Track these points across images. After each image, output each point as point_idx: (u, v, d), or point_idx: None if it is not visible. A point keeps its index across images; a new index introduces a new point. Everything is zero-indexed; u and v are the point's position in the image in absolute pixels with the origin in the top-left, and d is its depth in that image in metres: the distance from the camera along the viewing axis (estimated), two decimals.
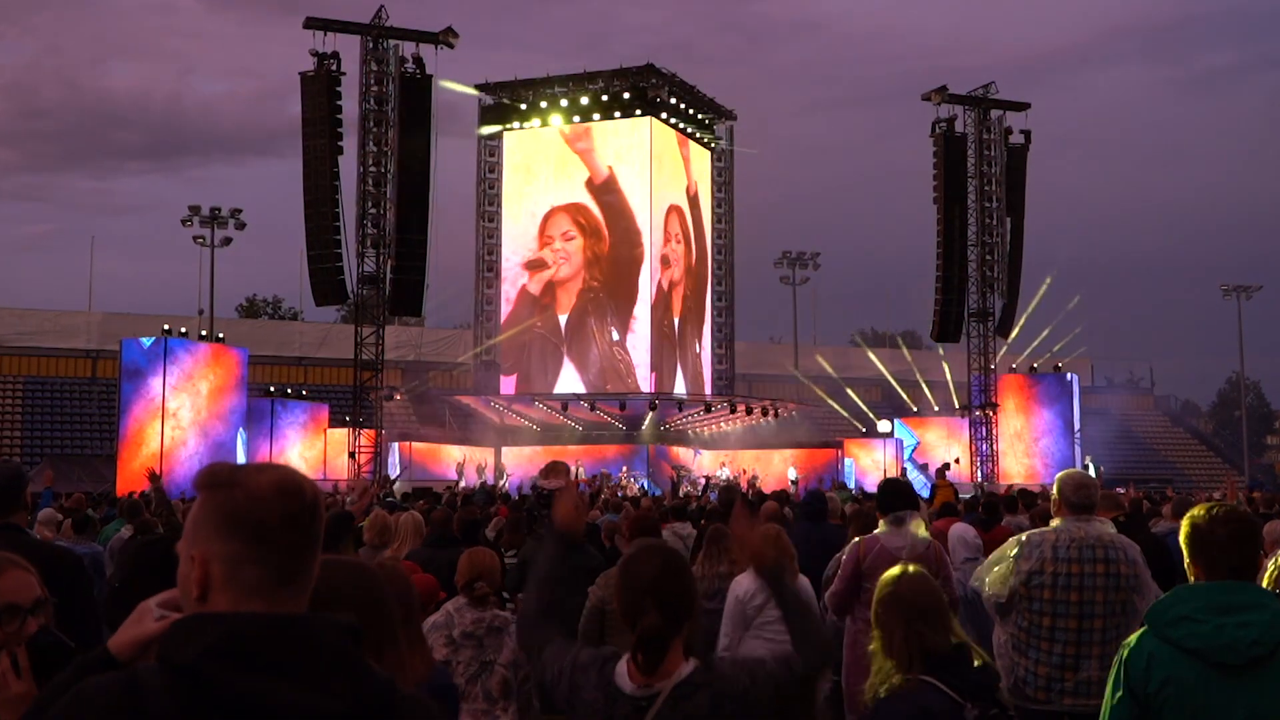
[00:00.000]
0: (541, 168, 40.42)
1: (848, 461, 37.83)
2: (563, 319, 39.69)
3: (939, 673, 3.26)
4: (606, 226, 39.49)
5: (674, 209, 41.26)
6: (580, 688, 2.97)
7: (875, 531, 6.86)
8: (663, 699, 2.83)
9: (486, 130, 40.76)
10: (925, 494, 19.53)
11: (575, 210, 39.84)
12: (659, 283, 39.75)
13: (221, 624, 1.60)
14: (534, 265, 40.08)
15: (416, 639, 3.20)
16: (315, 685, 1.57)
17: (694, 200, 42.70)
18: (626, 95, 39.15)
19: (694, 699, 2.83)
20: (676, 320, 40.96)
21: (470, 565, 4.88)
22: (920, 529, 6.81)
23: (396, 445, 34.68)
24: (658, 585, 2.91)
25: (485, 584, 4.79)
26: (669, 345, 40.32)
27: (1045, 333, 43.68)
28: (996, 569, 5.26)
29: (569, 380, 39.22)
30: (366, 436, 32.30)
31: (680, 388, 40.45)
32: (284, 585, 1.66)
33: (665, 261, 40.34)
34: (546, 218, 40.02)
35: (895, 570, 3.57)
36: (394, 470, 33.41)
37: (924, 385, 43.63)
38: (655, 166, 39.64)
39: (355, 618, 1.70)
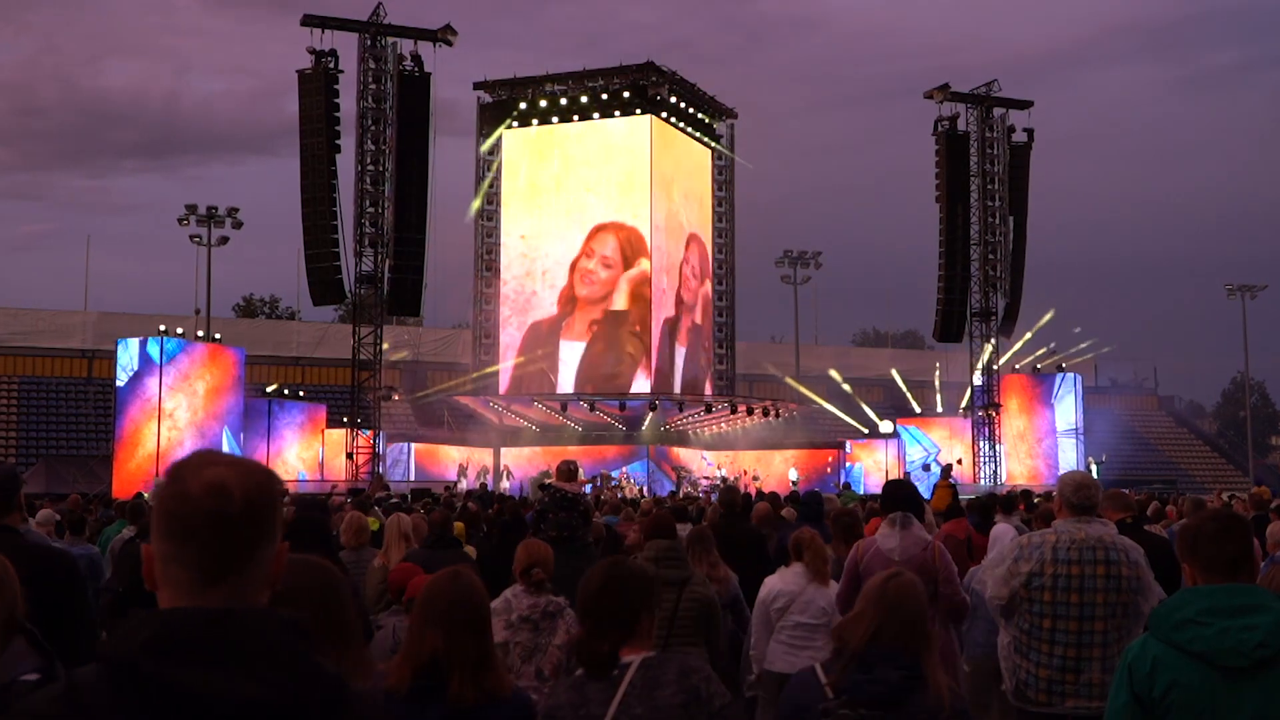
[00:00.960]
0: (542, 168, 40.31)
1: (858, 467, 37.77)
2: (579, 345, 39.53)
3: (854, 667, 3.42)
4: (628, 255, 39.31)
5: (695, 240, 41.47)
6: (555, 694, 3.31)
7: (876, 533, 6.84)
8: (634, 669, 3.13)
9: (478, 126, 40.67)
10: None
11: (612, 230, 39.58)
12: (671, 310, 39.85)
13: (158, 619, 1.62)
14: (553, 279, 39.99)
15: (484, 652, 3.29)
16: (252, 676, 1.57)
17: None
18: (626, 94, 39.02)
19: (663, 668, 3.16)
20: (682, 351, 40.99)
21: (527, 554, 5.32)
22: (919, 530, 6.78)
23: (412, 446, 34.65)
24: (593, 602, 3.28)
25: (540, 570, 5.24)
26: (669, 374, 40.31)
27: (1040, 349, 43.53)
28: (997, 571, 5.21)
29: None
30: (364, 437, 32.20)
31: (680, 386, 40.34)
32: (212, 586, 1.66)
33: (681, 298, 40.51)
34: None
35: (887, 572, 3.68)
36: (400, 472, 33.35)
37: (937, 385, 43.45)
38: (675, 190, 39.89)
39: (305, 614, 1.71)
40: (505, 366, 39.93)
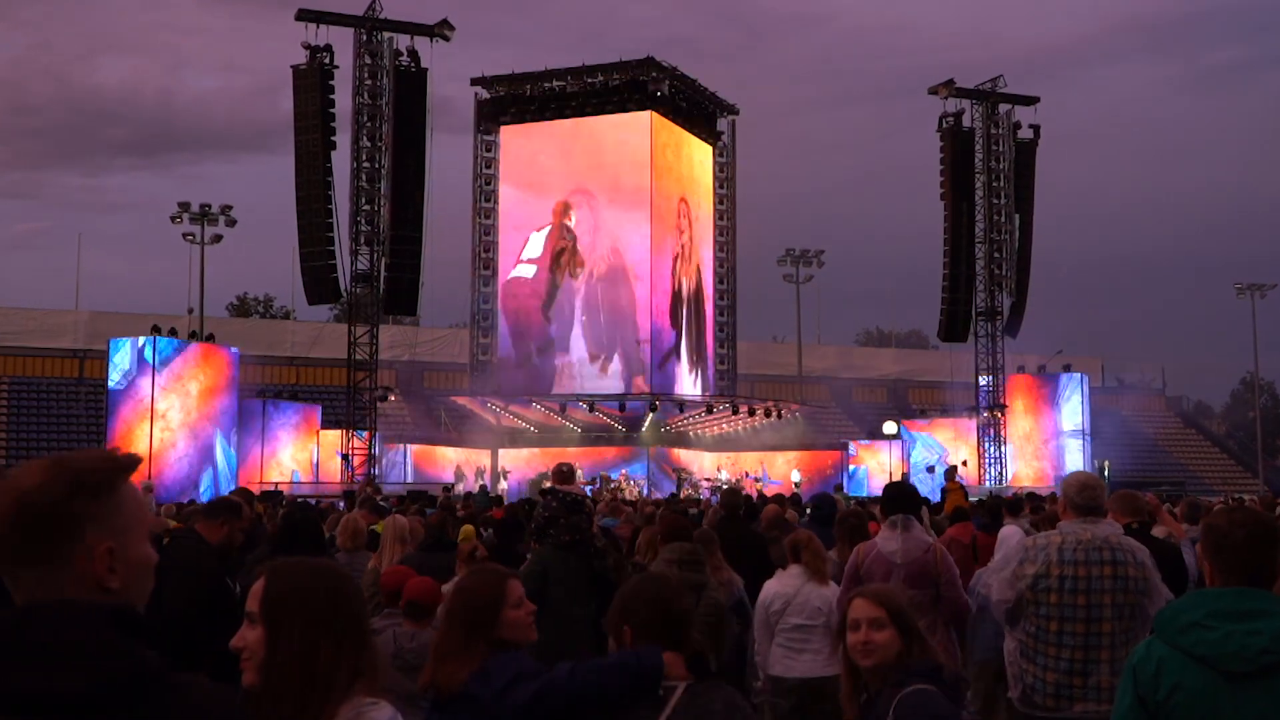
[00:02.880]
0: (541, 165, 39.92)
1: (862, 469, 37.39)
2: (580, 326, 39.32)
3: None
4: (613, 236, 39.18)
5: (695, 238, 41.45)
6: None
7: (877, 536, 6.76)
8: (681, 691, 3.10)
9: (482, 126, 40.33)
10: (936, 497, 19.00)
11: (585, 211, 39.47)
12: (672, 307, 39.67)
13: None
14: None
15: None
16: (48, 671, 1.57)
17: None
18: (626, 90, 38.61)
19: (708, 695, 3.12)
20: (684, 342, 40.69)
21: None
22: (920, 532, 6.65)
23: (410, 449, 34.44)
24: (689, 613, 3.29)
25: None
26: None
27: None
28: (1003, 574, 5.19)
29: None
30: (360, 439, 31.84)
31: (684, 385, 39.96)
32: (15, 583, 1.68)
33: (681, 297, 40.31)
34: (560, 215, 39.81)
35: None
36: (397, 474, 33.03)
37: (950, 385, 43.02)
38: (675, 188, 39.67)
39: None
40: (504, 363, 39.59)
